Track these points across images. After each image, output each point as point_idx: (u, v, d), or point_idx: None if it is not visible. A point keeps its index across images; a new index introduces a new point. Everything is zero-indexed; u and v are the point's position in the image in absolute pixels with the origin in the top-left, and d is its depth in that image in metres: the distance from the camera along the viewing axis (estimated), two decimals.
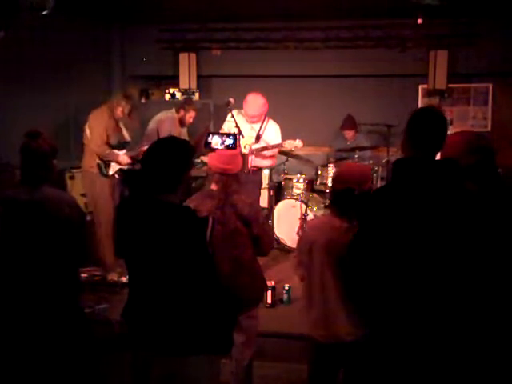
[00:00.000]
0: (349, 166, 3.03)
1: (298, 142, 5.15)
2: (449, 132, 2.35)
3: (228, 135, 3.30)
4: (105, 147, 5.11)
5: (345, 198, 2.79)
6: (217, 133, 3.37)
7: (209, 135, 3.27)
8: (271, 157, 5.30)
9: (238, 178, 3.23)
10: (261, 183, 5.48)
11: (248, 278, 3.14)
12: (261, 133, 5.16)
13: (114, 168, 5.20)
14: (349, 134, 6.93)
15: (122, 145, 5.25)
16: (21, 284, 2.85)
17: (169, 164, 2.37)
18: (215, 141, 3.26)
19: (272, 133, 5.19)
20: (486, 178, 2.39)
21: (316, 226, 3.01)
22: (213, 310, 2.37)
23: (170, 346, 2.34)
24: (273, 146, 5.13)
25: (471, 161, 2.38)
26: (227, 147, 3.24)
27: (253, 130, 5.18)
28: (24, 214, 2.86)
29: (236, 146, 3.33)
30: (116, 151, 5.15)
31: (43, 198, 2.85)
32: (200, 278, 2.34)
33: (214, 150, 3.27)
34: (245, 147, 5.01)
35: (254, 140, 5.13)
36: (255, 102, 5.07)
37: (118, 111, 5.30)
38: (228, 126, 5.12)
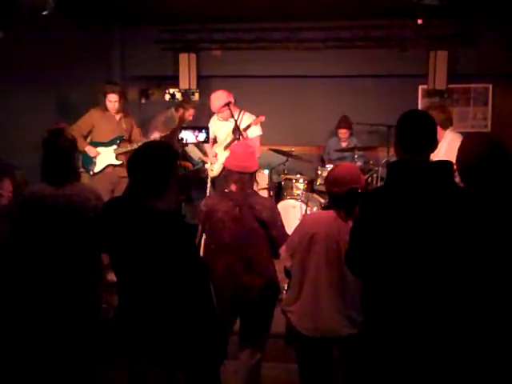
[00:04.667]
0: (345, 168, 3.02)
1: (261, 118, 5.12)
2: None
3: (200, 129, 3.30)
4: None
5: (350, 199, 2.78)
6: (189, 127, 3.36)
7: (181, 131, 3.25)
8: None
9: (256, 177, 3.23)
10: None
11: (261, 281, 3.14)
12: (238, 124, 5.07)
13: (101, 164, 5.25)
14: (343, 133, 6.93)
15: None
16: (50, 272, 2.98)
17: (152, 169, 2.31)
18: (188, 136, 3.25)
19: (249, 123, 5.17)
20: (491, 183, 2.37)
21: (318, 219, 3.00)
22: (202, 325, 2.29)
23: (158, 357, 2.29)
24: (244, 129, 5.03)
25: (483, 164, 2.38)
26: (200, 142, 3.23)
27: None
28: (52, 208, 2.94)
29: (209, 139, 3.28)
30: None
31: (70, 192, 2.98)
32: (188, 288, 2.26)
33: (186, 145, 3.28)
34: (212, 148, 5.09)
35: (231, 134, 5.12)
36: (214, 97, 5.11)
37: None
38: (211, 125, 5.17)
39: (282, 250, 3.17)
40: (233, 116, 5.03)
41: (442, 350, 2.17)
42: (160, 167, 2.33)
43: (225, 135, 5.18)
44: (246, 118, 5.21)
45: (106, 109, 5.38)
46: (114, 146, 5.29)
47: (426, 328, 2.17)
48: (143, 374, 2.33)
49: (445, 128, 4.51)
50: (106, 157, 5.27)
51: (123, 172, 5.12)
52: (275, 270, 3.31)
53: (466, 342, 2.19)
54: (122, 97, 5.37)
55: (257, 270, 3.12)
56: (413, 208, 2.17)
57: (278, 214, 3.28)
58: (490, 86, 7.35)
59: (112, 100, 5.32)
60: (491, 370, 2.24)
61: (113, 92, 5.30)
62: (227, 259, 3.11)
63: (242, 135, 5.02)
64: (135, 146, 5.18)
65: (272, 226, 3.14)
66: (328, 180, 2.96)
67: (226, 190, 3.21)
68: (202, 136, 3.24)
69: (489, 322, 2.23)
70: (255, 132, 5.18)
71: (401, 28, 6.92)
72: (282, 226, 3.28)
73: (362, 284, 2.44)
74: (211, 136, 4.97)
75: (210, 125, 5.18)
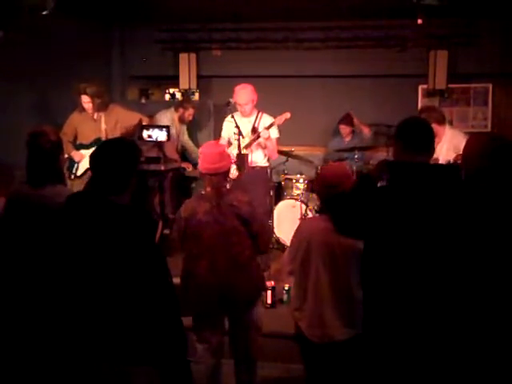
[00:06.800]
0: (332, 169, 3.00)
1: (286, 114, 5.09)
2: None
3: (161, 128, 3.28)
4: None
5: (339, 202, 2.77)
6: (149, 126, 3.34)
7: (142, 129, 3.24)
8: (269, 149, 5.20)
9: (228, 176, 3.23)
10: (264, 182, 5.37)
11: (244, 278, 3.15)
12: (256, 125, 5.13)
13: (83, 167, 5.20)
14: (345, 130, 6.91)
15: None
16: (23, 283, 2.89)
17: (115, 165, 2.36)
18: (148, 134, 3.25)
19: (267, 124, 5.13)
20: (499, 182, 2.37)
21: (312, 225, 2.99)
22: (162, 318, 2.31)
23: (116, 355, 2.30)
24: (266, 127, 5.03)
25: (485, 164, 2.38)
26: (159, 140, 3.22)
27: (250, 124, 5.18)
28: (26, 211, 2.88)
29: (169, 138, 3.28)
30: None
31: (44, 195, 2.88)
32: (147, 282, 2.29)
33: (146, 142, 3.27)
34: (245, 148, 5.01)
35: (250, 134, 5.11)
36: (243, 89, 5.07)
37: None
38: (227, 126, 5.12)
39: (285, 254, 3.17)
40: (258, 112, 5.10)
41: (442, 352, 2.16)
42: (123, 164, 2.38)
43: (243, 135, 5.09)
44: (264, 119, 5.18)
45: (83, 109, 5.28)
46: (90, 150, 5.18)
47: (427, 330, 2.17)
48: (105, 374, 2.33)
49: (441, 124, 4.58)
50: (87, 160, 5.16)
51: None
52: (259, 266, 3.32)
53: (467, 343, 2.19)
54: (94, 96, 5.18)
55: (240, 268, 3.13)
56: (420, 210, 2.17)
57: (256, 207, 3.25)
58: (490, 86, 7.34)
59: (85, 101, 5.21)
60: (490, 369, 2.24)
61: (84, 93, 5.18)
62: (210, 260, 3.11)
63: (259, 136, 5.02)
64: None
65: (252, 220, 3.13)
66: (317, 184, 2.94)
67: (202, 192, 3.22)
68: (161, 134, 3.23)
69: (491, 323, 2.22)
70: (274, 134, 5.16)
71: (401, 28, 6.92)
72: (263, 220, 3.27)
73: (362, 287, 2.44)
74: (226, 137, 4.92)
75: (225, 124, 5.13)
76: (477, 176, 2.37)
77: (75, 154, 5.25)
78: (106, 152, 2.42)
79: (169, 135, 3.26)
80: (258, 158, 5.22)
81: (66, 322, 2.40)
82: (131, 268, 2.27)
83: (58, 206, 2.75)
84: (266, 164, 5.34)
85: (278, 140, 5.30)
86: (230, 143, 5.11)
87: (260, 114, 5.22)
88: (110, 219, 2.30)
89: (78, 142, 5.33)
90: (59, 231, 2.42)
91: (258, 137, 5.07)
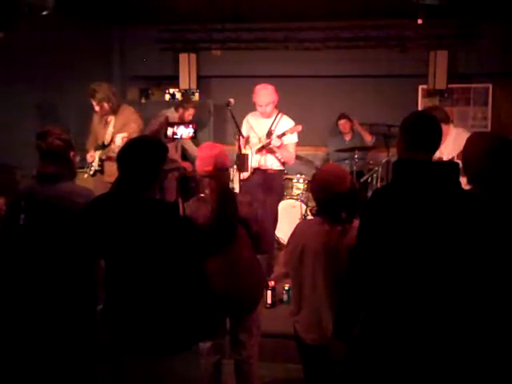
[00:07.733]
0: (327, 171, 2.96)
1: (298, 127, 4.93)
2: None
3: (187, 125, 3.26)
4: None
5: (335, 205, 2.75)
6: (176, 123, 3.32)
7: (168, 126, 3.23)
8: (284, 155, 4.98)
9: (226, 177, 3.20)
10: (277, 188, 5.17)
11: (245, 279, 3.14)
12: (273, 128, 4.95)
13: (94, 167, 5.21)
14: (344, 126, 6.91)
15: None
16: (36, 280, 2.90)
17: (143, 162, 2.42)
18: (174, 131, 3.23)
19: (286, 128, 4.95)
20: (498, 183, 2.36)
21: (306, 230, 2.97)
22: (196, 306, 2.40)
23: (152, 346, 2.35)
24: (279, 136, 4.87)
25: (486, 163, 2.37)
26: (184, 138, 3.23)
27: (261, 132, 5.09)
28: (38, 210, 2.89)
29: (196, 135, 3.28)
30: None
31: (56, 194, 2.89)
32: (184, 272, 2.36)
33: (173, 140, 3.27)
34: (245, 147, 4.97)
35: (264, 136, 4.97)
36: (264, 89, 4.95)
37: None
38: (244, 127, 5.03)
39: (280, 256, 3.16)
40: (278, 113, 4.96)
41: (443, 353, 2.16)
42: (150, 160, 2.45)
43: (257, 138, 4.98)
44: (283, 122, 5.00)
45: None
46: (99, 151, 5.17)
47: (427, 329, 2.17)
48: (132, 366, 2.35)
49: (446, 123, 4.56)
50: (95, 162, 5.15)
51: (105, 178, 4.95)
52: (261, 267, 3.31)
53: (468, 344, 2.19)
54: (102, 101, 5.01)
55: (241, 271, 3.12)
56: (422, 208, 2.16)
57: (256, 208, 3.22)
58: (490, 86, 7.35)
59: (94, 105, 5.09)
60: (491, 370, 2.24)
61: (93, 97, 5.04)
62: (211, 264, 3.10)
63: (270, 142, 4.85)
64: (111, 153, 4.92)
65: (251, 221, 3.11)
66: (312, 186, 2.92)
67: (201, 195, 3.18)
68: (188, 131, 3.22)
69: (492, 328, 2.22)
70: (291, 139, 4.96)
71: (401, 28, 6.93)
72: (262, 221, 3.25)
73: (364, 285, 2.44)
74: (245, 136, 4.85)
75: (244, 124, 5.03)
76: (478, 175, 2.37)
77: (89, 155, 5.24)
78: (132, 150, 2.47)
79: (195, 132, 3.24)
80: (271, 162, 5.02)
81: (105, 317, 2.45)
82: (176, 257, 2.34)
83: (71, 204, 2.82)
84: (280, 168, 5.11)
85: (297, 144, 5.08)
86: (247, 142, 4.98)
87: (279, 115, 5.04)
88: (143, 212, 2.35)
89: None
90: (88, 229, 2.47)
91: (270, 143, 4.89)
